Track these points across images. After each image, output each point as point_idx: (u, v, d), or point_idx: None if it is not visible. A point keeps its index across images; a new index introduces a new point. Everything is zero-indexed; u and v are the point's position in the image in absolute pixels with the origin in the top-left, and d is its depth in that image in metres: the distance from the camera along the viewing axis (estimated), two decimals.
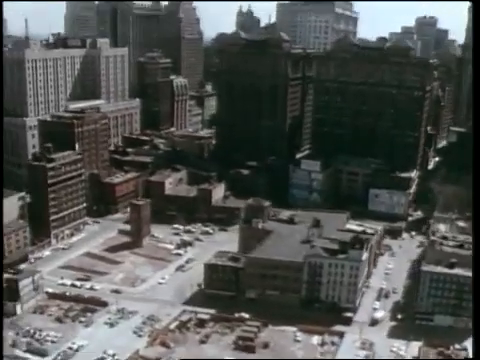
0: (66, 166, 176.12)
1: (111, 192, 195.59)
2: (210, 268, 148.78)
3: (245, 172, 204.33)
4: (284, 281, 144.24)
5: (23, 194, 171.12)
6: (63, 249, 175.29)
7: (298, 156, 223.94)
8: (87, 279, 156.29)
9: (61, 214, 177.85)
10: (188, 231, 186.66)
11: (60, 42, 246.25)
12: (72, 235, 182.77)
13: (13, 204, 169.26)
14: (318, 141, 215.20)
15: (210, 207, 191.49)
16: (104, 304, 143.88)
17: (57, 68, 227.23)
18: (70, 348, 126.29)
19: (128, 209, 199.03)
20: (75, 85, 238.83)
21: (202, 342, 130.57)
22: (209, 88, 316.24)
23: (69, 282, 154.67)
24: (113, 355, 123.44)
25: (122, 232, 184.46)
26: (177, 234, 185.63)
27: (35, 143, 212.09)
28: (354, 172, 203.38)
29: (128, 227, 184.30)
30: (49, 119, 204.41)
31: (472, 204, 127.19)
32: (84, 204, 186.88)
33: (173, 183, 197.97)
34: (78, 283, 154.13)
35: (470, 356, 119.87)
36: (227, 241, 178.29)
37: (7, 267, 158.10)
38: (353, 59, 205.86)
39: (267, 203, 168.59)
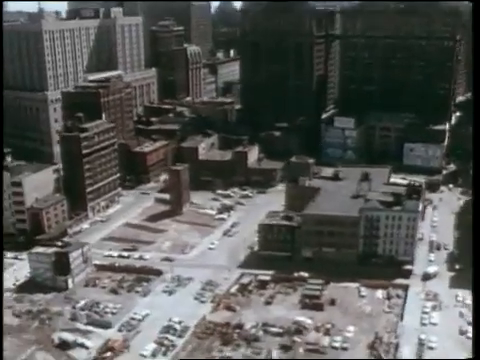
0: (99, 135, 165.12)
1: (142, 161, 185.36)
2: (264, 228, 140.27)
3: (276, 134, 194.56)
4: (340, 237, 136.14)
5: (57, 166, 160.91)
6: (101, 221, 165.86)
7: (324, 116, 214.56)
8: (134, 249, 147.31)
9: (96, 186, 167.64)
10: (227, 196, 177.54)
11: (73, 13, 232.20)
12: (107, 207, 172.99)
13: (48, 177, 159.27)
14: (346, 99, 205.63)
15: (246, 170, 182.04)
16: (158, 273, 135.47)
17: (74, 39, 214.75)
18: (133, 318, 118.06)
19: (160, 178, 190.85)
20: (91, 56, 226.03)
21: (267, 303, 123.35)
22: (220, 56, 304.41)
23: (116, 253, 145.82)
24: (179, 322, 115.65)
25: (159, 201, 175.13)
26: (216, 199, 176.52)
27: (57, 117, 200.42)
28: (387, 128, 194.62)
29: (164, 196, 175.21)
30: (72, 90, 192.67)
31: (472, 202, 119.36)
32: (118, 174, 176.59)
33: (206, 148, 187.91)
34: (125, 254, 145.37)
35: None
36: (268, 203, 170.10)
37: (47, 242, 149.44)
38: (381, 12, 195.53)
39: (311, 160, 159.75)
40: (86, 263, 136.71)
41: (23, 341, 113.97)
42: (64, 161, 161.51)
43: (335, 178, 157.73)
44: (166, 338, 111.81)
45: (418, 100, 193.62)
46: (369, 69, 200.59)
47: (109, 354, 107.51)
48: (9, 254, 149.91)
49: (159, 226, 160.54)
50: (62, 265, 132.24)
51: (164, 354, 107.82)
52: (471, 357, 79.11)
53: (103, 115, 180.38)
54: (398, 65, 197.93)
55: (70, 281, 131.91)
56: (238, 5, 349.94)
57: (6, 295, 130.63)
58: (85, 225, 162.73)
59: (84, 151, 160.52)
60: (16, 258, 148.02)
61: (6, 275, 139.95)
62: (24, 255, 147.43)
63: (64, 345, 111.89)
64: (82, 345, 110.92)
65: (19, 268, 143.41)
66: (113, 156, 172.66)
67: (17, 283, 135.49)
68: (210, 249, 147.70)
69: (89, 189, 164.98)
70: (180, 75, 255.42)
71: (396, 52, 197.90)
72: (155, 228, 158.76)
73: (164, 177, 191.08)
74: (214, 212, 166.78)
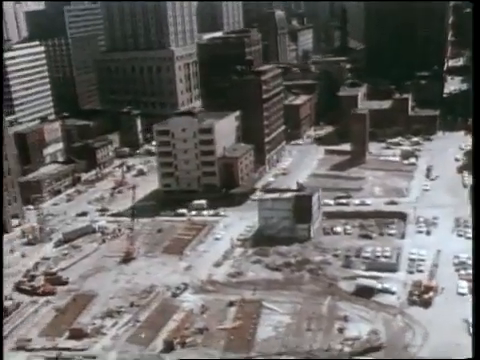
0: (272, 80, 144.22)
1: (295, 114, 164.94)
2: None
3: (423, 82, 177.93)
4: None
5: (238, 113, 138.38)
6: (283, 174, 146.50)
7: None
8: (349, 196, 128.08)
9: (271, 136, 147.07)
10: (397, 143, 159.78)
11: None
12: (278, 161, 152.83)
13: (232, 125, 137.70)
14: None
15: (407, 118, 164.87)
16: (400, 215, 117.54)
17: None
18: (412, 259, 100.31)
19: (309, 132, 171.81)
20: (195, 17, 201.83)
21: None
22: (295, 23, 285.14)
23: (331, 201, 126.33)
24: (469, 258, 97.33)
25: (329, 152, 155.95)
26: (388, 148, 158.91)
27: (181, 76, 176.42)
28: None
29: (330, 147, 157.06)
30: (210, 43, 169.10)
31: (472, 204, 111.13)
32: (283, 126, 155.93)
33: (360, 98, 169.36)
34: (344, 201, 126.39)
35: None
36: (443, 148, 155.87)
37: (238, 197, 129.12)
38: None
39: None
40: (319, 210, 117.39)
41: (308, 293, 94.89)
42: (242, 108, 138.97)
43: None
44: (470, 275, 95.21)
45: None
46: None
47: (431, 294, 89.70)
48: (205, 212, 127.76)
49: (351, 174, 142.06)
50: (302, 211, 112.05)
51: None
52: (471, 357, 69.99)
53: None
54: None
55: (311, 229, 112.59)
56: None
57: (239, 251, 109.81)
58: (270, 178, 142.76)
59: (264, 96, 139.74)
60: (217, 215, 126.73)
61: (222, 232, 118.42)
62: (223, 211, 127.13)
63: (364, 292, 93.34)
64: (386, 290, 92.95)
65: (228, 224, 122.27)
66: (281, 105, 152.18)
67: (241, 238, 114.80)
68: (426, 190, 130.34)
69: (267, 139, 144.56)
70: (271, 40, 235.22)
71: None
72: (349, 176, 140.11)
73: (312, 131, 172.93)
74: (397, 158, 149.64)
